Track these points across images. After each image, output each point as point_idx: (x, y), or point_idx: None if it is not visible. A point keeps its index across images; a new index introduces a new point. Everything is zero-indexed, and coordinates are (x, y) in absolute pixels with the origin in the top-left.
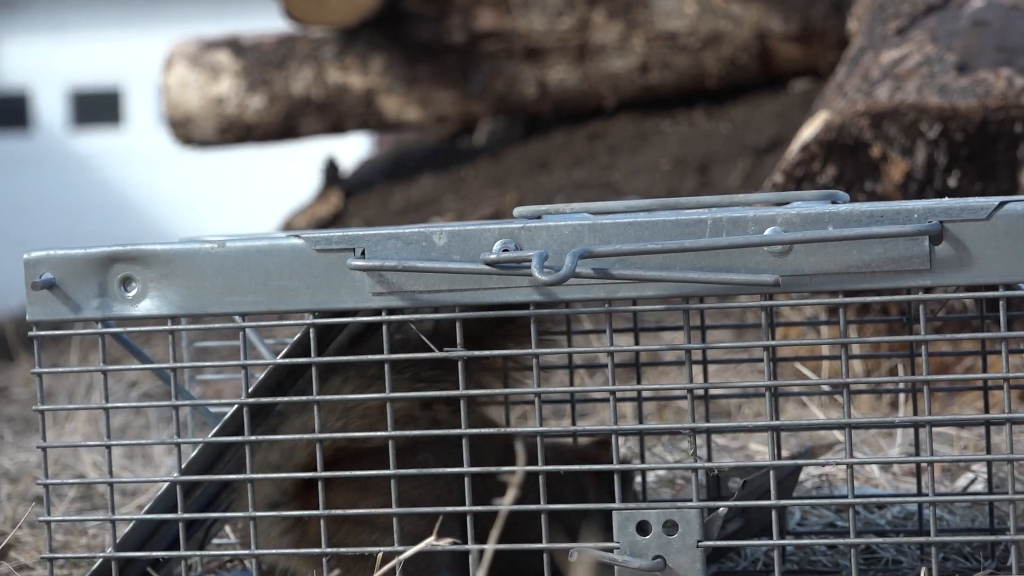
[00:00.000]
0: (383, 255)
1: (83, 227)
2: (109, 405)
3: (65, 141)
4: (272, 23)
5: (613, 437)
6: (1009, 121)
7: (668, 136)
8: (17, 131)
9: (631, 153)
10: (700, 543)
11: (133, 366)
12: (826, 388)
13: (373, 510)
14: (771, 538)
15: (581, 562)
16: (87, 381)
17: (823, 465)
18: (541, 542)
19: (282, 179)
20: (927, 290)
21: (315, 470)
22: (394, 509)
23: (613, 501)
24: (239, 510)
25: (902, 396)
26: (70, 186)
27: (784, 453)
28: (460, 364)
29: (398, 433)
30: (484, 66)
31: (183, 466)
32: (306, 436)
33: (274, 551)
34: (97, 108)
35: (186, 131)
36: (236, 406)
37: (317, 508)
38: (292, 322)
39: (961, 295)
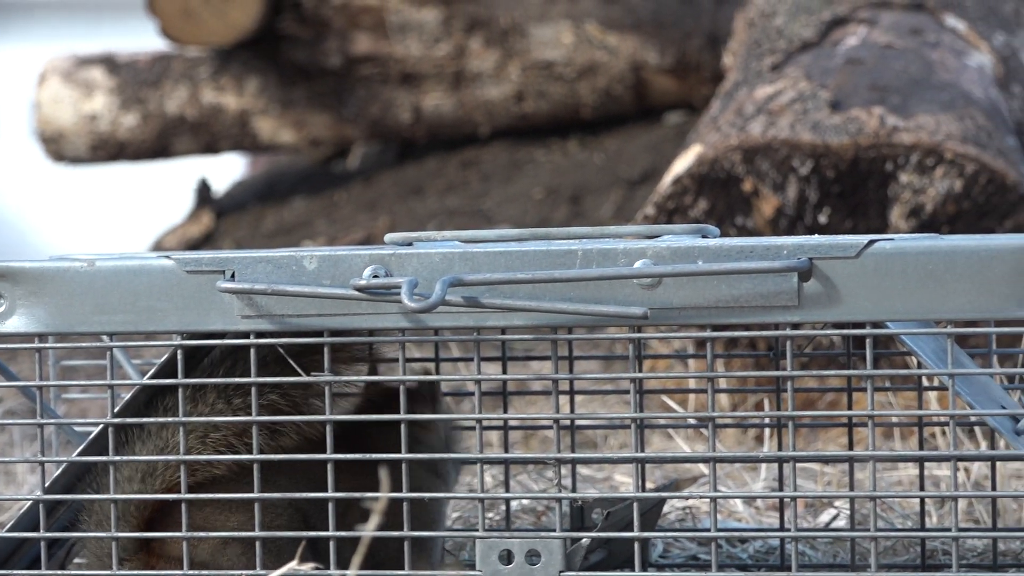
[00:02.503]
0: (253, 278)
1: None
2: None
3: None
4: (148, 41)
5: (479, 465)
6: (881, 159)
7: (541, 165)
8: None
9: (504, 181)
10: (562, 573)
11: None
12: (692, 421)
13: (236, 533)
14: (633, 570)
15: None
16: None
17: (687, 498)
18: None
19: (155, 198)
20: (795, 326)
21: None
22: (257, 533)
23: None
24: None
25: (767, 431)
26: None
27: (648, 485)
28: (327, 389)
29: (263, 457)
30: (360, 90)
31: (46, 485)
32: (171, 458)
33: (134, 573)
34: None
35: (58, 147)
36: (101, 426)
37: (162, 554)
38: (160, 343)
39: (828, 332)
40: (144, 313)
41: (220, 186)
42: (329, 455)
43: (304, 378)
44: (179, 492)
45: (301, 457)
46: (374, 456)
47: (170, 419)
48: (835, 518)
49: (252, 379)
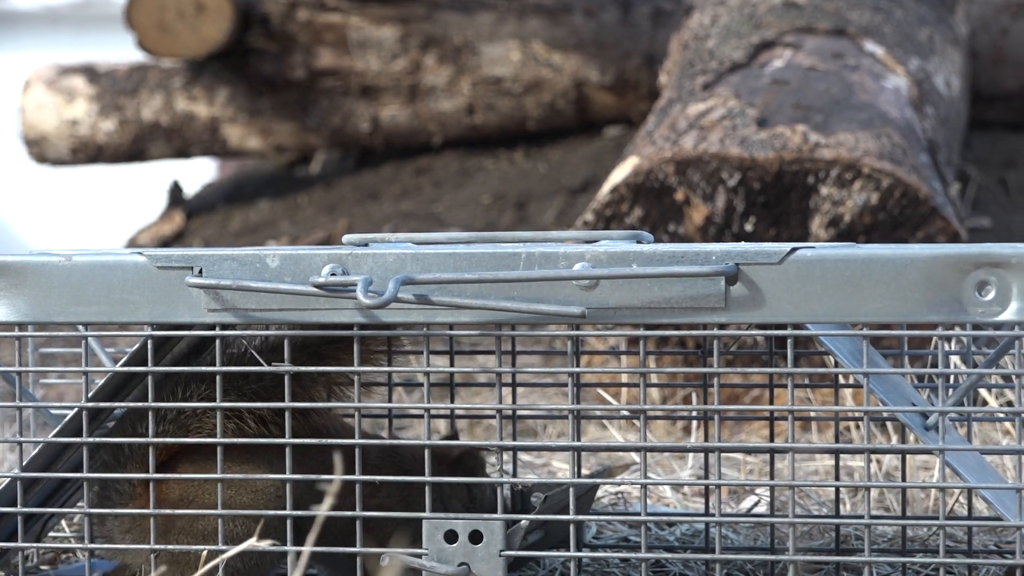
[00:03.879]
0: (219, 274)
1: None
2: None
3: None
4: (127, 52)
5: (426, 451)
6: (803, 173)
7: (490, 173)
8: None
9: (455, 187)
10: (503, 552)
11: None
12: (625, 413)
13: (201, 511)
14: (568, 550)
15: (391, 567)
16: None
17: (619, 484)
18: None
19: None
20: (721, 326)
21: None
22: (219, 511)
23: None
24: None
25: (695, 423)
26: None
27: (584, 471)
28: (287, 378)
29: (227, 440)
30: (322, 101)
31: (24, 464)
32: (141, 440)
33: (105, 546)
34: None
35: (40, 150)
36: (76, 409)
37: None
38: (132, 333)
39: (753, 332)
40: (118, 305)
41: (191, 188)
42: (288, 439)
43: (265, 368)
44: (172, 463)
45: (261, 441)
46: (326, 441)
47: (139, 404)
48: (756, 504)
49: (216, 368)
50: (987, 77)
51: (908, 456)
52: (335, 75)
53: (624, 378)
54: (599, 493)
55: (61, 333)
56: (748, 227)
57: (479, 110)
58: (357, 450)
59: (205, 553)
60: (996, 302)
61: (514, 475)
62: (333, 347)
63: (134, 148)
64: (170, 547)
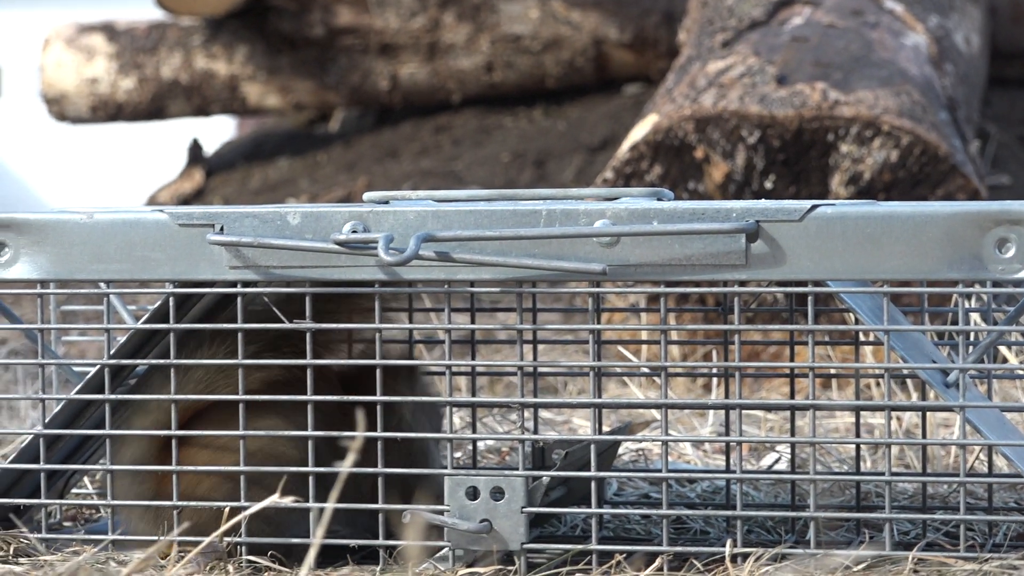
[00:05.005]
0: (240, 231)
1: None
2: None
3: None
4: (146, 11)
5: (448, 408)
6: (823, 130)
7: (509, 131)
8: None
9: (474, 145)
10: (524, 509)
11: (2, 325)
12: (645, 370)
13: (224, 468)
14: (590, 507)
15: (413, 523)
16: None
17: (640, 441)
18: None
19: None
20: (742, 283)
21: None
22: (242, 467)
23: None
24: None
25: (715, 380)
26: None
27: (605, 428)
28: (308, 335)
29: (248, 397)
30: (341, 59)
31: (46, 420)
32: (161, 397)
33: (128, 502)
34: None
35: (60, 108)
36: (98, 366)
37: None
38: (153, 290)
39: (773, 290)
40: (139, 262)
41: (211, 146)
42: (310, 396)
43: (286, 325)
44: (198, 418)
45: (279, 398)
46: (347, 398)
47: (161, 361)
48: (777, 461)
49: (239, 325)
50: (1006, 34)
51: (928, 413)
52: (354, 33)
53: (644, 335)
54: (620, 450)
55: (83, 290)
56: (768, 185)
57: (498, 68)
58: (379, 407)
59: (228, 510)
60: (1016, 259)
61: (535, 432)
62: (348, 304)
63: (153, 106)
64: (191, 503)
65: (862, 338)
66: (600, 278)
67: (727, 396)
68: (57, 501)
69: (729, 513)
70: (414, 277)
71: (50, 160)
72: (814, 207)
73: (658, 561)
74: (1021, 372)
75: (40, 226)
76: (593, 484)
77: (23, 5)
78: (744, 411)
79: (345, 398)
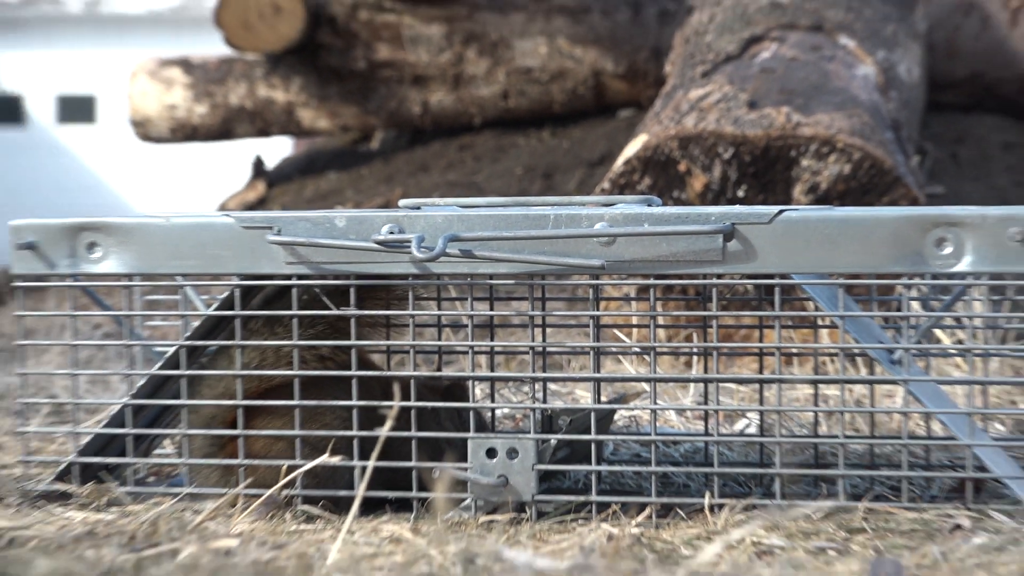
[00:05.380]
0: (295, 233)
1: (63, 201)
2: (76, 343)
3: (51, 135)
4: (216, 48)
5: (470, 382)
6: (787, 147)
7: (522, 149)
8: (13, 126)
9: (492, 161)
10: (535, 466)
11: (96, 312)
12: (637, 350)
13: (277, 432)
14: (590, 464)
15: (442, 478)
16: (60, 323)
17: (632, 409)
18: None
19: (220, 171)
20: (719, 276)
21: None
22: (296, 432)
23: (469, 430)
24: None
25: (695, 358)
26: (54, 170)
27: (602, 399)
28: (352, 321)
29: (302, 373)
30: (380, 88)
31: (133, 393)
32: (227, 372)
33: (201, 460)
34: (77, 109)
35: (145, 130)
36: (176, 347)
37: (246, 451)
38: (222, 283)
39: (745, 281)
40: (209, 259)
41: (271, 162)
42: (354, 372)
43: (335, 311)
44: (270, 392)
45: (331, 373)
46: (387, 374)
47: (228, 343)
48: (748, 427)
49: (293, 312)
50: (942, 67)
51: (876, 386)
52: (391, 66)
53: (635, 320)
54: (615, 417)
55: (163, 283)
56: (740, 193)
57: (512, 96)
58: (412, 382)
59: (285, 467)
60: (952, 256)
61: (544, 402)
62: (386, 294)
63: (223, 128)
64: (255, 462)
65: (820, 323)
66: (599, 271)
67: (706, 372)
68: (141, 460)
69: (707, 470)
70: (442, 271)
71: (137, 174)
72: (781, 212)
73: (647, 510)
74: (954, 352)
75: (126, 228)
76: (593, 445)
77: (114, 44)
78: (720, 384)
79: (383, 374)
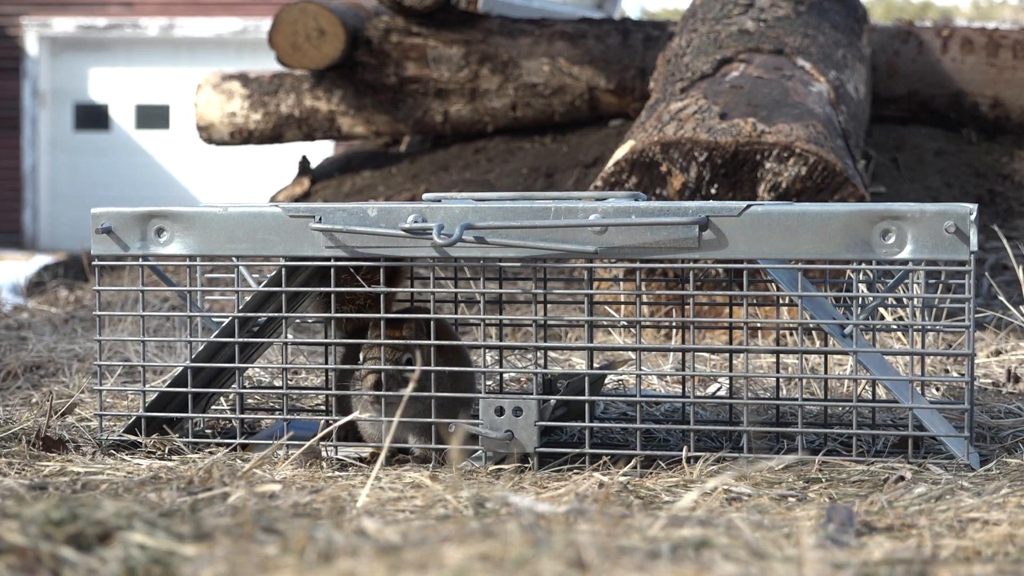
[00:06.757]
0: (334, 221)
1: (141, 193)
2: (146, 314)
3: (131, 138)
4: (269, 65)
5: (483, 350)
6: (752, 152)
7: (527, 152)
8: (100, 130)
9: (502, 162)
10: (537, 423)
11: (162, 288)
12: (624, 323)
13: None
14: (584, 421)
15: (457, 432)
16: (133, 297)
17: (620, 374)
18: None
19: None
20: (695, 261)
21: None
22: (334, 391)
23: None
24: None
25: (674, 331)
26: (133, 168)
27: (595, 365)
28: (382, 297)
29: (334, 341)
30: (408, 100)
31: (193, 357)
32: (274, 340)
33: (266, 416)
34: (153, 117)
35: (208, 134)
36: (231, 318)
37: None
38: (271, 263)
39: (717, 266)
40: (260, 243)
41: (315, 161)
42: (382, 341)
43: (366, 288)
44: (356, 335)
45: (358, 342)
46: (415, 341)
47: (275, 314)
48: (719, 390)
49: (331, 288)
50: (884, 85)
51: (829, 356)
52: (417, 81)
53: (623, 298)
54: (606, 381)
55: (221, 263)
56: (713, 191)
57: (520, 107)
58: (432, 349)
59: (322, 422)
60: (895, 245)
61: (545, 367)
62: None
63: (274, 133)
64: (300, 417)
65: (781, 301)
66: (593, 256)
67: (683, 342)
68: (200, 415)
69: (685, 427)
70: (458, 255)
71: (202, 171)
72: (748, 206)
73: (633, 461)
74: (895, 327)
75: (189, 216)
76: (587, 405)
77: (185, 62)
78: (695, 353)
79: (413, 343)
